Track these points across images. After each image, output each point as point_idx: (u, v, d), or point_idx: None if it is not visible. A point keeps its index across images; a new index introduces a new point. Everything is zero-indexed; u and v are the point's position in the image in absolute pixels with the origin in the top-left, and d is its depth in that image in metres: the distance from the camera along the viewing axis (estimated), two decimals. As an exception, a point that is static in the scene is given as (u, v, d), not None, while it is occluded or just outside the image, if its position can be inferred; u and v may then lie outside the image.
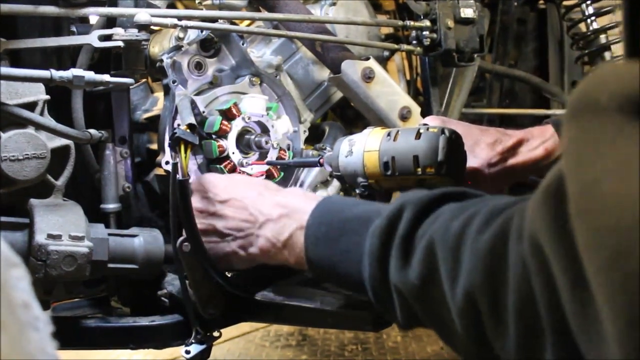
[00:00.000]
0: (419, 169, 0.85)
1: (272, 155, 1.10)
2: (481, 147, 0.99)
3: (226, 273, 0.97)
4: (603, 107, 0.38)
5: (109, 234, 0.93)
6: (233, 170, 1.06)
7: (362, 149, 0.92)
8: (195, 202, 0.91)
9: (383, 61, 1.41)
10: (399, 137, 0.88)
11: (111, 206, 1.03)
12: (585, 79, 0.41)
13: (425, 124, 0.95)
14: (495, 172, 0.99)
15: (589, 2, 1.53)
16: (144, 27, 1.00)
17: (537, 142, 1.00)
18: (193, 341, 0.98)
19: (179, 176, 0.89)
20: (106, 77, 0.93)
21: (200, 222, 0.90)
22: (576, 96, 0.41)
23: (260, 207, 0.86)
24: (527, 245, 0.46)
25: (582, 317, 0.40)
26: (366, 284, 0.69)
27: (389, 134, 0.90)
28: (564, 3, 1.61)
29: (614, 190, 0.36)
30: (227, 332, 1.51)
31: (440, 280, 0.57)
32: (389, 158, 0.88)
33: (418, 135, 0.86)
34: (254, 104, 1.09)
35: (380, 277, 0.66)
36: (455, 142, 0.87)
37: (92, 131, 0.99)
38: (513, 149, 1.00)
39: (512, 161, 1.00)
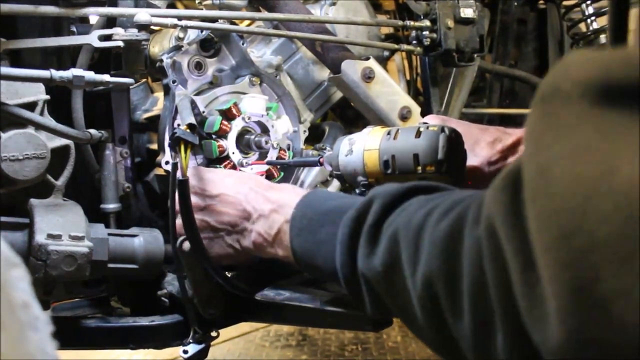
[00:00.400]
0: (419, 168, 0.85)
1: (272, 155, 1.10)
2: (481, 146, 0.99)
3: (226, 273, 0.97)
4: (566, 93, 0.39)
5: (109, 234, 0.93)
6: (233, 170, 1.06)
7: (362, 147, 0.92)
8: None
9: (383, 61, 1.41)
10: (399, 136, 0.88)
11: (111, 206, 1.03)
12: (553, 67, 0.42)
13: (425, 123, 0.95)
14: (495, 171, 0.99)
15: (589, 2, 1.53)
16: (144, 27, 1.00)
17: None
18: (191, 341, 0.98)
19: (179, 176, 0.89)
20: (106, 77, 0.93)
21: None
22: (543, 83, 0.41)
23: (254, 202, 0.88)
24: (482, 228, 0.46)
25: (530, 298, 0.40)
26: (338, 272, 0.72)
27: (389, 133, 0.90)
28: (564, 3, 1.61)
29: (564, 173, 0.37)
30: (227, 332, 1.51)
31: (402, 267, 0.59)
32: (389, 157, 0.88)
33: (418, 133, 0.86)
34: (254, 104, 1.09)
35: (349, 265, 0.69)
36: (455, 141, 0.87)
37: (92, 131, 0.99)
38: (513, 148, 1.00)
39: (512, 159, 1.00)
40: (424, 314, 0.56)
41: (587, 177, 0.36)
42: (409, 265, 0.57)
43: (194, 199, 0.91)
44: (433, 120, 1.03)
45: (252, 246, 0.88)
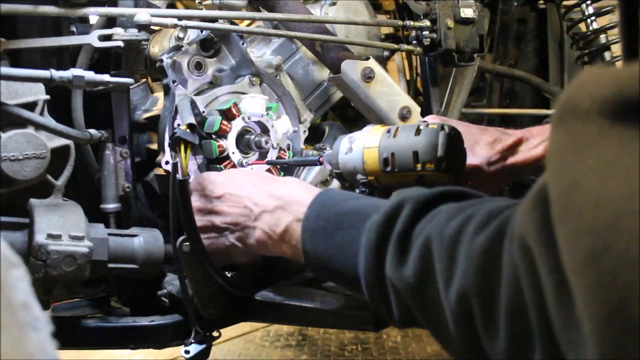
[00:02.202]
0: (419, 165, 0.85)
1: (272, 155, 1.10)
2: (481, 146, 0.99)
3: (226, 273, 0.97)
4: (585, 111, 0.39)
5: (109, 234, 0.93)
6: (233, 170, 1.06)
7: (362, 145, 0.92)
8: (194, 201, 0.92)
9: (383, 61, 1.41)
10: (398, 134, 0.88)
11: (111, 206, 1.03)
12: (569, 84, 0.42)
13: (425, 121, 0.95)
14: (495, 171, 0.99)
15: (589, 2, 1.53)
16: (144, 27, 1.00)
17: (537, 141, 1.00)
18: (192, 341, 0.98)
19: (179, 176, 0.89)
20: (106, 77, 0.93)
21: (199, 220, 0.91)
22: (560, 101, 0.41)
23: (255, 198, 0.87)
24: (516, 247, 0.46)
25: (565, 319, 0.40)
26: (361, 278, 0.69)
27: (388, 131, 0.90)
28: (564, 3, 1.61)
29: (591, 192, 0.37)
30: (227, 332, 1.51)
31: (435, 279, 0.57)
32: (388, 154, 0.88)
33: (418, 131, 0.86)
34: (254, 104, 1.09)
35: (375, 272, 0.66)
36: (454, 139, 0.87)
37: (92, 131, 0.99)
38: (513, 148, 1.00)
39: (511, 160, 1.00)
40: (458, 330, 0.54)
41: (614, 195, 0.35)
42: (442, 277, 0.55)
43: (200, 202, 0.91)
44: (433, 120, 1.03)
45: (256, 244, 0.87)
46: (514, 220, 0.49)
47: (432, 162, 0.85)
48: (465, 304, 0.52)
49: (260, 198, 0.86)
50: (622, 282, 0.34)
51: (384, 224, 0.66)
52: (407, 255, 0.62)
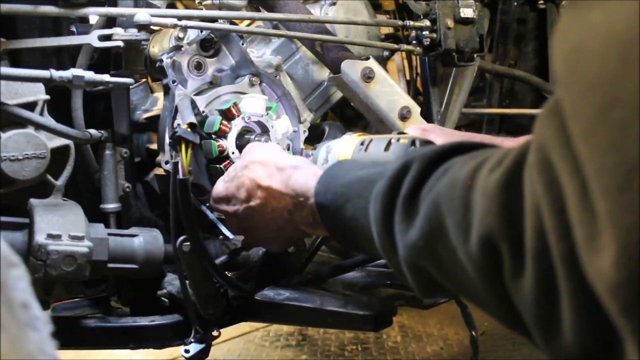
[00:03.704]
0: None
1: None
2: None
3: (226, 273, 0.97)
4: None
5: (109, 234, 0.93)
6: (233, 170, 1.06)
7: (337, 156, 0.91)
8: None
9: (383, 61, 1.41)
10: (370, 147, 0.87)
11: (111, 206, 1.03)
12: None
13: (401, 133, 0.93)
14: None
15: (589, 2, 1.53)
16: (143, 27, 1.00)
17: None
18: (192, 340, 0.98)
19: (180, 175, 0.88)
20: (106, 77, 0.93)
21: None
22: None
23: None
24: (535, 164, 0.41)
25: (588, 224, 0.36)
26: (382, 255, 0.64)
27: (362, 143, 0.88)
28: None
29: (595, 47, 0.34)
30: (227, 332, 1.51)
31: (447, 235, 0.51)
32: None
33: (388, 146, 0.85)
34: (253, 103, 1.09)
35: (389, 248, 0.61)
36: None
37: (92, 131, 0.99)
38: None
39: None
40: (482, 281, 0.49)
41: (619, 45, 0.32)
42: (458, 230, 0.50)
43: (230, 208, 0.89)
44: (411, 130, 0.99)
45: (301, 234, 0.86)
46: (532, 147, 0.45)
47: None
48: (489, 251, 0.47)
49: (278, 200, 0.83)
50: (634, 133, 0.31)
51: (389, 191, 0.61)
52: (414, 217, 0.56)
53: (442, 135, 0.90)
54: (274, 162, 0.85)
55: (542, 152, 0.40)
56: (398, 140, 0.85)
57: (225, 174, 0.94)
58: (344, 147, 0.91)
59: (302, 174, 0.79)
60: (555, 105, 0.39)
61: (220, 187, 0.92)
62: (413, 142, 0.84)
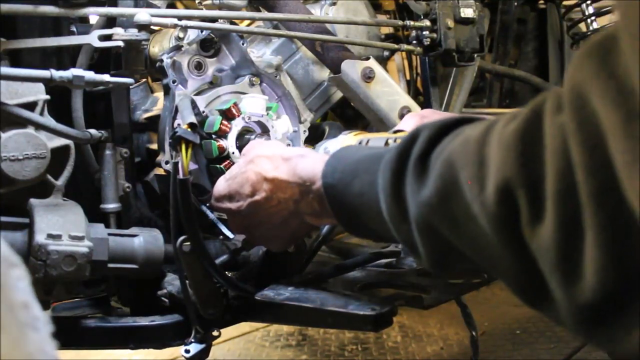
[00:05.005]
0: None
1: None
2: None
3: (226, 273, 0.97)
4: None
5: (109, 234, 0.93)
6: (233, 170, 1.06)
7: None
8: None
9: (383, 61, 1.41)
10: (368, 146, 0.86)
11: (111, 206, 1.03)
12: None
13: (398, 130, 0.92)
14: None
15: (589, 2, 1.53)
16: (144, 27, 1.00)
17: None
18: (193, 340, 0.98)
19: (180, 175, 0.88)
20: (106, 77, 0.93)
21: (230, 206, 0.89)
22: None
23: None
24: (568, 103, 0.40)
25: (633, 149, 0.35)
26: (389, 225, 0.62)
27: (360, 142, 0.88)
28: (564, 3, 1.61)
29: None
30: (227, 332, 1.51)
31: (461, 192, 0.50)
32: None
33: (386, 144, 0.84)
34: (254, 103, 1.09)
35: (399, 215, 0.60)
36: None
37: (92, 131, 0.99)
38: None
39: None
40: (499, 234, 0.48)
41: None
42: (473, 184, 0.49)
43: (233, 205, 0.89)
44: (410, 120, 0.98)
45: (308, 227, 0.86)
46: (556, 94, 0.44)
47: None
48: (506, 201, 0.46)
49: (287, 192, 0.83)
50: None
51: (398, 158, 0.60)
52: (426, 178, 0.55)
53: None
54: (279, 154, 0.85)
55: (577, 92, 0.40)
56: (395, 140, 0.85)
57: (227, 172, 0.94)
58: (341, 146, 0.90)
59: (309, 161, 0.80)
60: (591, 47, 0.39)
61: (222, 185, 0.91)
62: None
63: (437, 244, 0.58)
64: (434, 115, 0.94)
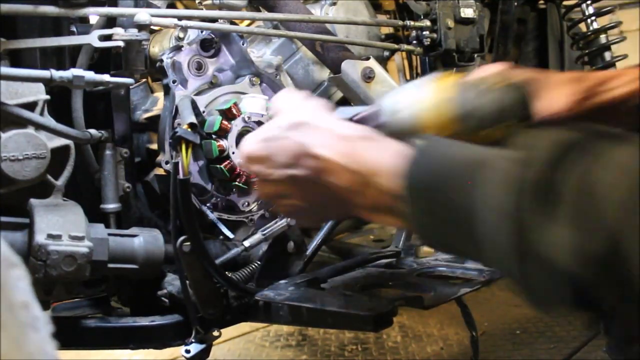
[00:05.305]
0: (501, 124, 0.71)
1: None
2: (558, 90, 0.83)
3: (226, 273, 0.97)
4: None
5: (109, 234, 0.93)
6: (232, 170, 1.06)
7: (433, 94, 0.75)
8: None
9: (383, 61, 1.41)
10: (475, 88, 0.73)
11: (111, 206, 1.03)
12: None
13: (487, 75, 0.81)
14: (575, 115, 0.82)
15: (589, 2, 1.53)
16: (144, 27, 1.00)
17: (622, 81, 0.84)
18: (193, 340, 0.98)
19: (180, 175, 0.88)
20: (106, 77, 0.93)
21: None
22: None
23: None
24: None
25: None
26: (491, 254, 0.55)
27: (462, 83, 0.74)
28: (564, 3, 1.61)
29: None
30: (227, 332, 1.51)
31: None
32: (466, 109, 0.72)
33: (498, 87, 0.72)
34: (254, 103, 1.09)
35: (516, 242, 0.52)
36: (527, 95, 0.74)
37: (92, 131, 0.99)
38: (595, 88, 0.84)
39: (595, 100, 0.83)
40: None
41: None
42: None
43: (264, 170, 0.74)
44: (494, 68, 0.84)
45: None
46: None
47: (516, 121, 0.71)
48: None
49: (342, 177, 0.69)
50: None
51: (518, 176, 0.52)
52: (558, 209, 0.49)
53: (526, 74, 0.79)
54: (331, 127, 0.70)
55: None
56: (504, 84, 0.72)
57: (261, 129, 0.78)
58: (442, 86, 0.75)
59: (376, 147, 0.66)
60: None
61: (254, 144, 0.75)
62: (513, 86, 0.73)
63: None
64: (513, 72, 0.82)
